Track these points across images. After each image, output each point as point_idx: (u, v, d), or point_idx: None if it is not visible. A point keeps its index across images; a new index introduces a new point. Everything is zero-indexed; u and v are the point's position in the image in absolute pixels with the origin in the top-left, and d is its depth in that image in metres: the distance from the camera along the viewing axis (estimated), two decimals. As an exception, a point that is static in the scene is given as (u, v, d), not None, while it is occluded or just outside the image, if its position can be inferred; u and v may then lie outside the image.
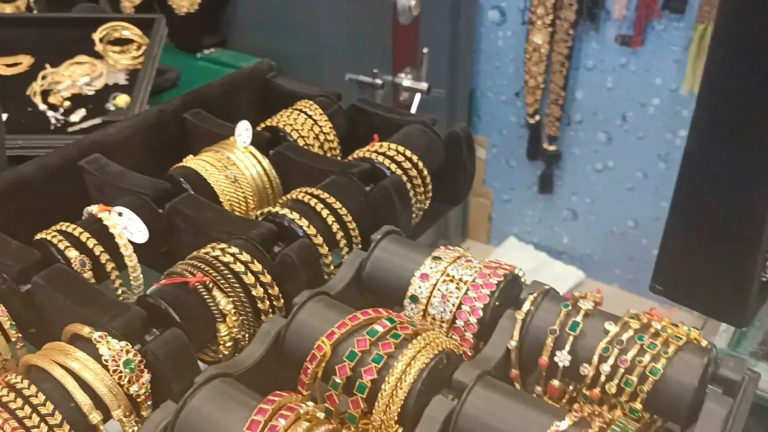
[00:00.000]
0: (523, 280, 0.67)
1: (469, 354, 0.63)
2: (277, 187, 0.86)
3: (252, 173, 0.84)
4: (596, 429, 0.50)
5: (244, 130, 0.85)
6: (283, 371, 0.61)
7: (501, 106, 2.24)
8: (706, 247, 0.81)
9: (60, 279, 0.65)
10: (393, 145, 0.85)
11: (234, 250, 0.67)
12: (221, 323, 0.65)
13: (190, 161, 0.84)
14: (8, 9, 1.39)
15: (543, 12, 1.94)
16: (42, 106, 1.11)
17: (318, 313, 0.62)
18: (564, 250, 2.37)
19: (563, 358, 0.58)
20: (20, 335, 0.65)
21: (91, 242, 0.70)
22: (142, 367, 0.57)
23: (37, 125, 1.08)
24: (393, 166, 0.83)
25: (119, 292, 0.71)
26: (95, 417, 0.54)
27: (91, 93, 1.16)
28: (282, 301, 0.68)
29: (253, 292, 0.66)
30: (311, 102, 0.95)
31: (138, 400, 0.57)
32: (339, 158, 0.93)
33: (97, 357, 0.56)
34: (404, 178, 0.82)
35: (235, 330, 0.65)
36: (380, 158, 0.83)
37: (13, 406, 0.52)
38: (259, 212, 0.76)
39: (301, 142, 0.90)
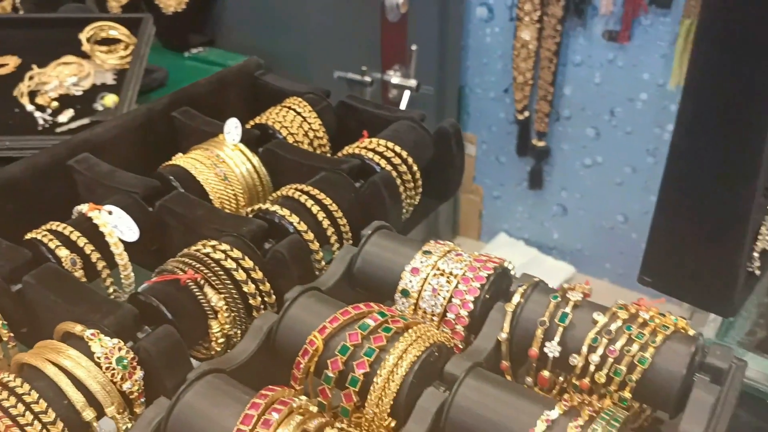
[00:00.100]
0: (512, 273, 0.67)
1: (460, 347, 0.63)
2: (267, 184, 0.86)
3: (242, 171, 0.84)
4: (586, 417, 0.50)
5: (233, 127, 0.85)
6: (275, 367, 0.61)
7: (490, 103, 2.25)
8: (692, 239, 0.82)
9: (51, 278, 0.65)
10: (382, 141, 0.85)
11: (225, 247, 0.67)
12: (213, 320, 0.65)
13: (179, 159, 0.84)
14: (-6, 10, 1.39)
15: (530, 8, 1.95)
16: (29, 107, 1.11)
17: (309, 309, 0.62)
18: (554, 246, 2.39)
19: (553, 349, 0.59)
20: (12, 335, 0.65)
21: (81, 241, 0.70)
22: (135, 364, 0.57)
23: (24, 126, 1.07)
24: (383, 162, 0.83)
25: (110, 290, 0.71)
26: (88, 414, 0.54)
27: (79, 93, 1.15)
28: (273, 297, 0.68)
29: (245, 289, 0.66)
30: (300, 99, 0.95)
31: (131, 396, 0.57)
32: (328, 155, 0.93)
33: (89, 355, 0.56)
34: (394, 173, 0.83)
35: (227, 326, 0.65)
36: (370, 154, 0.84)
37: (6, 404, 0.52)
38: (249, 209, 0.77)
39: (290, 139, 0.90)
